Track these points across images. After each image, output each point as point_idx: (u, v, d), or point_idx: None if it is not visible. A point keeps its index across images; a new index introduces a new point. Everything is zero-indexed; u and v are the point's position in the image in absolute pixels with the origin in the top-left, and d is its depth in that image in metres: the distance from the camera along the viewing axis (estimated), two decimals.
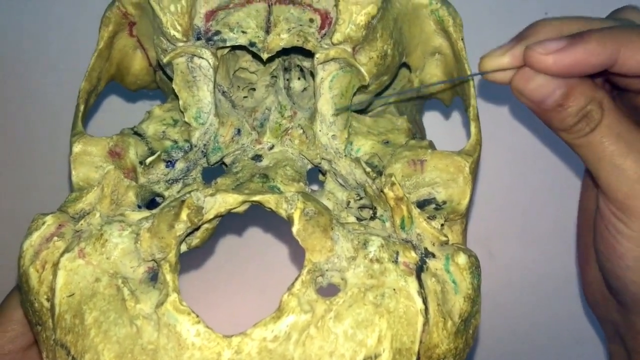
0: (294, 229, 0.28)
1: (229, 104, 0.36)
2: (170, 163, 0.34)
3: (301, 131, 0.34)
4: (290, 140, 0.34)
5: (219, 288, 0.50)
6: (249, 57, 0.38)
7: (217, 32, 0.33)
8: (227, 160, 0.34)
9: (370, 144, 0.34)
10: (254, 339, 0.26)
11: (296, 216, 0.28)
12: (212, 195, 0.30)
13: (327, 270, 0.28)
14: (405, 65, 0.38)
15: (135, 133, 0.35)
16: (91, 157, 0.33)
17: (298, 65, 0.38)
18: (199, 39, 0.33)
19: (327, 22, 0.33)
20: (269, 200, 0.30)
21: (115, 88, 0.41)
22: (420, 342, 0.27)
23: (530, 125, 0.51)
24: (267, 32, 0.33)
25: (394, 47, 0.34)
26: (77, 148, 0.33)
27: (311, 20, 0.33)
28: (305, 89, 0.38)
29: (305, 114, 0.35)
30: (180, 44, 0.32)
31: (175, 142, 0.35)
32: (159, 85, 0.41)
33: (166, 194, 0.33)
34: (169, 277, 0.27)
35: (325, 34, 0.33)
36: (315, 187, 0.35)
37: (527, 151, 0.51)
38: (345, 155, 0.33)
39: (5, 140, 0.53)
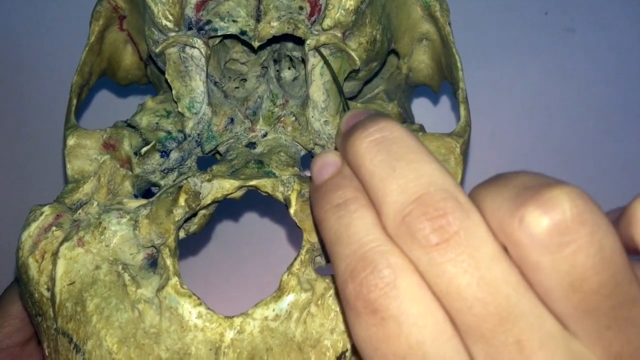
0: (292, 210, 0.29)
1: (221, 94, 0.36)
2: (165, 153, 0.34)
3: (294, 118, 0.35)
4: (283, 128, 0.35)
5: (218, 273, 0.50)
6: (239, 48, 0.39)
7: (208, 22, 0.33)
8: (222, 149, 0.35)
9: None
10: (255, 318, 0.27)
11: (293, 198, 0.29)
12: (208, 180, 0.30)
13: None
14: (393, 52, 0.39)
15: (129, 125, 0.35)
16: (86, 149, 0.34)
17: (288, 55, 0.39)
18: (190, 28, 0.33)
19: (316, 9, 0.33)
20: (265, 184, 0.30)
21: (106, 83, 0.41)
22: None
23: (529, 124, 0.52)
24: (258, 20, 0.33)
25: (382, 33, 0.35)
26: (71, 141, 0.33)
27: (301, 8, 0.33)
28: (295, 78, 0.39)
29: (297, 101, 0.36)
30: (172, 34, 0.33)
31: (169, 132, 0.35)
32: (150, 80, 0.42)
33: (162, 183, 0.34)
34: (169, 261, 0.28)
35: (315, 21, 0.33)
36: (308, 174, 0.36)
37: (525, 152, 0.52)
38: None
39: (0, 135, 0.53)
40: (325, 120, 0.34)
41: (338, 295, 0.25)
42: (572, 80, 0.51)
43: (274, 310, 0.27)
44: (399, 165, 0.20)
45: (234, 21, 0.33)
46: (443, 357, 0.19)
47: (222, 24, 0.33)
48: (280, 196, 0.30)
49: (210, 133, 0.34)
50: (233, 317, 0.27)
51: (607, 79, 0.51)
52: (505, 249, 0.19)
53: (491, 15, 0.51)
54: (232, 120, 0.35)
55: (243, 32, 0.33)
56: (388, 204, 0.20)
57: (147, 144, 0.34)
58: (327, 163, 0.24)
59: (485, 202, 0.20)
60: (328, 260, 0.27)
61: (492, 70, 0.51)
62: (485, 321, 0.19)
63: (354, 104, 0.36)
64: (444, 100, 0.51)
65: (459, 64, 0.35)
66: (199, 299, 0.27)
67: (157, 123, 0.35)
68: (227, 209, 0.34)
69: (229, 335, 0.26)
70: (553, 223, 0.18)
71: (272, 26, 0.33)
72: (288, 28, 0.33)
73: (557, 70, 0.51)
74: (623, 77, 0.51)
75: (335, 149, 0.25)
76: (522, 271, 0.19)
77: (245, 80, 0.38)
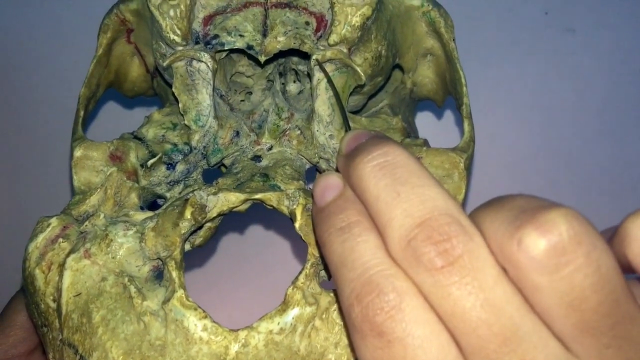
0: (297, 224, 0.29)
1: (227, 107, 0.36)
2: (171, 165, 0.35)
3: (299, 132, 0.35)
4: (288, 141, 0.35)
5: (223, 285, 0.50)
6: (245, 61, 0.39)
7: (216, 36, 0.33)
8: (227, 162, 0.35)
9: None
10: (260, 331, 0.27)
11: (298, 212, 0.29)
12: (214, 194, 0.30)
13: None
14: (398, 66, 0.39)
15: (135, 137, 0.36)
16: (92, 161, 0.34)
17: (293, 69, 0.39)
18: (197, 42, 0.33)
19: (322, 25, 0.33)
20: (270, 197, 0.31)
21: (113, 95, 0.42)
22: None
23: (529, 124, 0.52)
24: (264, 35, 0.34)
25: (387, 49, 0.35)
26: (78, 153, 0.34)
27: (307, 23, 0.34)
28: (301, 91, 0.39)
29: (302, 115, 0.36)
30: (180, 48, 0.33)
31: (175, 145, 0.35)
32: (156, 92, 0.42)
33: (168, 195, 0.34)
34: (174, 273, 0.28)
35: (321, 36, 0.33)
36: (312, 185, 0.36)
37: (525, 152, 0.52)
38: None
39: (7, 146, 0.53)
40: (330, 134, 0.34)
41: (342, 313, 0.25)
42: (572, 80, 0.51)
43: (278, 323, 0.27)
44: (403, 190, 0.21)
45: (240, 36, 0.33)
46: None
47: (229, 38, 0.33)
48: (285, 210, 0.30)
49: (216, 146, 0.35)
50: (238, 330, 0.27)
51: (607, 79, 0.51)
52: (505, 271, 0.20)
53: (491, 15, 0.51)
54: (237, 133, 0.35)
55: (250, 47, 0.33)
56: (393, 228, 0.20)
57: (153, 156, 0.34)
58: (330, 185, 0.24)
59: (485, 225, 0.20)
60: (331, 277, 0.27)
61: (492, 70, 0.51)
62: (489, 342, 0.19)
63: (358, 118, 0.36)
64: (448, 115, 0.51)
65: (463, 80, 0.35)
66: (204, 311, 0.27)
67: (163, 135, 0.36)
68: (232, 221, 0.34)
69: (234, 348, 0.27)
70: (550, 244, 0.18)
71: (279, 41, 0.33)
72: (294, 43, 0.33)
73: (557, 70, 0.51)
74: (623, 77, 0.51)
75: (336, 169, 0.25)
76: (522, 292, 0.19)
77: (251, 93, 0.39)
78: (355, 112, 0.38)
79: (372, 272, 0.20)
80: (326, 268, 0.29)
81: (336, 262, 0.22)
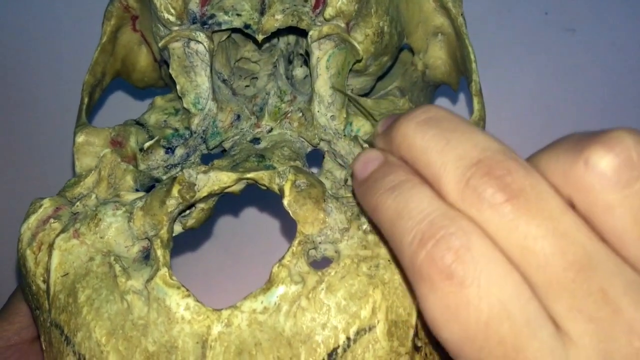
0: (285, 201, 0.28)
1: (229, 91, 0.36)
2: (170, 150, 0.34)
3: (300, 114, 0.34)
4: (289, 123, 0.34)
5: (218, 268, 0.50)
6: (251, 46, 0.38)
7: (212, 16, 0.33)
8: (227, 145, 0.34)
9: (371, 125, 0.33)
10: (243, 311, 0.26)
11: (287, 188, 0.28)
12: (205, 172, 0.30)
13: (320, 242, 0.27)
14: (407, 47, 0.37)
15: (137, 123, 0.35)
16: (94, 147, 0.34)
17: (301, 54, 0.38)
18: (194, 23, 0.33)
19: (321, 2, 0.32)
20: (262, 176, 0.29)
21: (122, 84, 0.42)
22: (420, 314, 0.26)
23: (529, 124, 0.51)
24: (262, 13, 0.33)
25: (390, 25, 0.33)
26: (80, 139, 0.34)
27: (305, 0, 0.33)
28: (306, 76, 0.38)
29: (305, 98, 0.35)
30: (175, 28, 0.33)
31: (176, 130, 0.35)
32: (165, 81, 0.42)
33: (164, 179, 0.33)
34: (159, 252, 0.27)
35: (319, 13, 0.32)
36: (313, 170, 0.35)
37: (525, 152, 0.50)
38: (344, 135, 0.33)
39: (10, 142, 0.54)
40: (332, 115, 0.33)
41: (402, 269, 0.23)
42: (572, 80, 0.51)
43: (262, 302, 0.26)
44: (453, 137, 0.20)
45: (237, 15, 0.33)
46: (528, 318, 0.18)
47: (225, 17, 0.33)
48: (276, 188, 0.29)
49: (215, 129, 0.34)
50: (221, 309, 0.26)
51: (607, 79, 0.50)
52: (570, 204, 0.19)
53: (491, 15, 0.50)
54: (238, 116, 0.34)
55: (247, 26, 0.33)
56: (448, 172, 0.20)
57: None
58: (370, 158, 0.23)
59: (542, 161, 0.20)
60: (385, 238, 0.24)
61: (491, 70, 0.50)
62: (566, 271, 0.18)
63: (364, 99, 0.35)
64: (462, 99, 0.50)
65: (472, 56, 0.34)
66: (187, 290, 0.26)
67: (165, 120, 0.35)
68: (227, 204, 0.33)
69: (216, 328, 0.25)
70: (620, 159, 0.18)
71: (276, 19, 0.32)
72: (292, 20, 0.32)
73: (557, 70, 0.51)
74: (623, 77, 0.50)
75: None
76: (591, 221, 0.19)
77: (256, 79, 0.38)
78: (364, 95, 0.37)
79: (434, 215, 0.19)
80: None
81: (392, 216, 0.21)
